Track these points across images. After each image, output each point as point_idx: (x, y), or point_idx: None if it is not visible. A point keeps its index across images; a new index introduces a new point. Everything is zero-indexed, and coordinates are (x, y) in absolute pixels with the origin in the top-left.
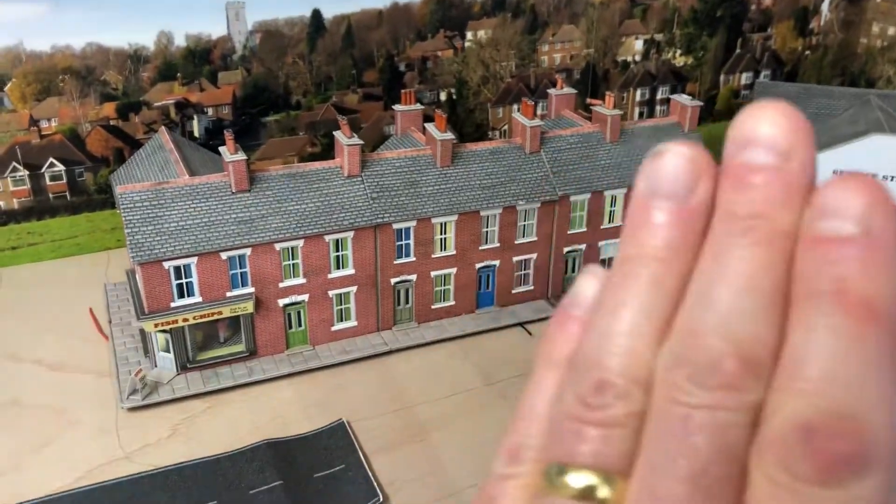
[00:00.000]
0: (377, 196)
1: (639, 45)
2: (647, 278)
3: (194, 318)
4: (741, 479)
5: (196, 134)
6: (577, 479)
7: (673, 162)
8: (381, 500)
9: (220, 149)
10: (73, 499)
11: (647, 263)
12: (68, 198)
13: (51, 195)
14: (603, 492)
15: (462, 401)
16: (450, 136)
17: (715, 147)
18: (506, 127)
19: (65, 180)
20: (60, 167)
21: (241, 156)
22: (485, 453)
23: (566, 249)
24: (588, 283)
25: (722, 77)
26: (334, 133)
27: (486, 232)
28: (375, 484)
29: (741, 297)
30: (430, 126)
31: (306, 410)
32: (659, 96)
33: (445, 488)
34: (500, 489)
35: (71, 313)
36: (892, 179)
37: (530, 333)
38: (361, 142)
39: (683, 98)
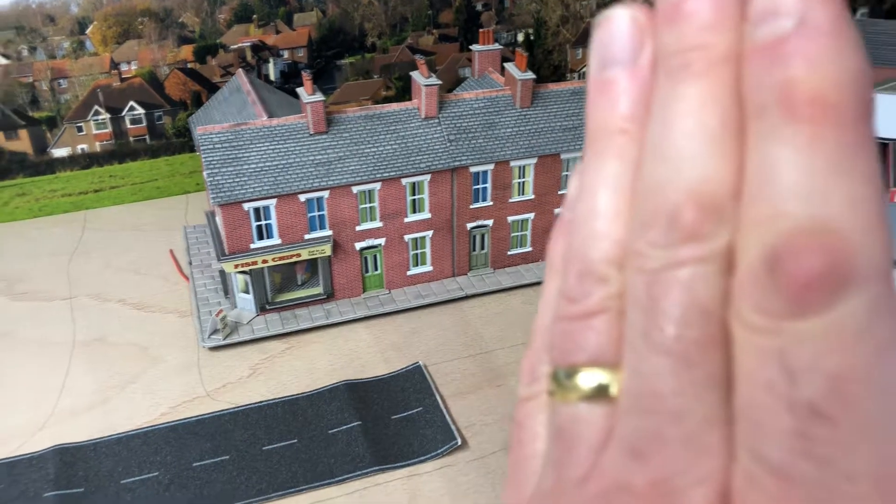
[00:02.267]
0: (455, 138)
1: None
2: (611, 153)
3: (273, 259)
4: (725, 339)
5: (271, 77)
6: (586, 379)
7: (614, 27)
8: (459, 443)
9: (298, 90)
10: (159, 433)
11: (610, 138)
12: (148, 141)
13: (131, 138)
14: (614, 388)
15: None
16: (530, 75)
17: None
18: (584, 69)
19: (144, 123)
20: (140, 110)
21: (319, 97)
22: None
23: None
24: (573, 181)
25: None
26: (411, 74)
27: (566, 176)
28: (453, 427)
29: (689, 140)
30: (509, 65)
31: (383, 353)
32: None
33: None
34: (523, 411)
35: (152, 255)
36: None
37: None
38: (439, 82)
39: None
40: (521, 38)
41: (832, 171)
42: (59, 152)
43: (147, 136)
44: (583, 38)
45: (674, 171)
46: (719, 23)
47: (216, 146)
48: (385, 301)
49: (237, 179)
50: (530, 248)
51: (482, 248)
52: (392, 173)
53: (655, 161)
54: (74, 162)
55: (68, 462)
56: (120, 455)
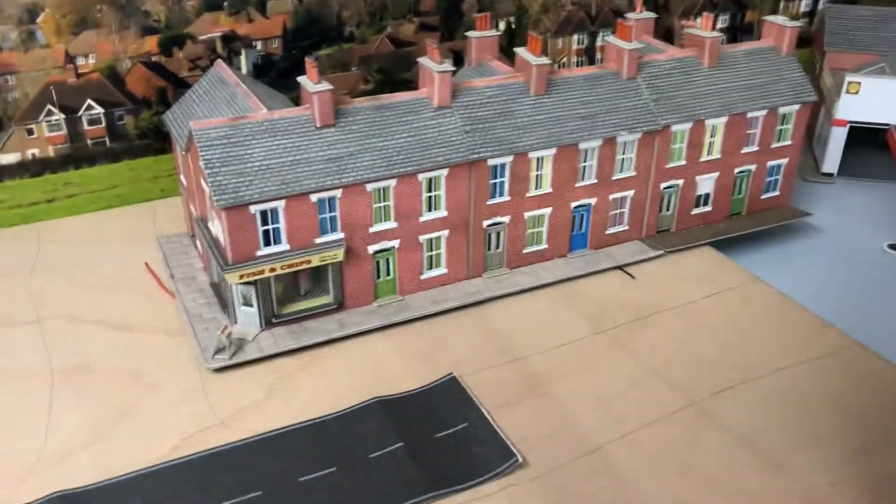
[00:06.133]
0: (471, 129)
1: None
2: None
3: (282, 267)
4: None
5: (243, 70)
6: None
7: None
8: (520, 460)
9: (300, 79)
10: (174, 470)
11: None
12: (108, 144)
13: (89, 141)
14: None
15: (575, 350)
16: (546, 60)
17: None
18: (565, 59)
19: (104, 124)
20: (99, 110)
21: (327, 85)
22: (615, 405)
23: (663, 185)
24: None
25: (781, 3)
26: (419, 60)
27: (584, 167)
28: (508, 443)
29: None
30: (521, 51)
31: (410, 365)
32: (720, 24)
33: (583, 445)
34: None
35: (124, 269)
36: None
37: (633, 276)
38: (454, 68)
39: (780, 19)
40: (502, 26)
41: None
42: (7, 158)
43: (107, 139)
44: (563, 27)
45: None
46: None
47: (214, 143)
48: (400, 308)
49: (241, 179)
50: (546, 246)
51: (497, 247)
52: (408, 168)
53: None
54: (24, 169)
55: None
56: (131, 500)
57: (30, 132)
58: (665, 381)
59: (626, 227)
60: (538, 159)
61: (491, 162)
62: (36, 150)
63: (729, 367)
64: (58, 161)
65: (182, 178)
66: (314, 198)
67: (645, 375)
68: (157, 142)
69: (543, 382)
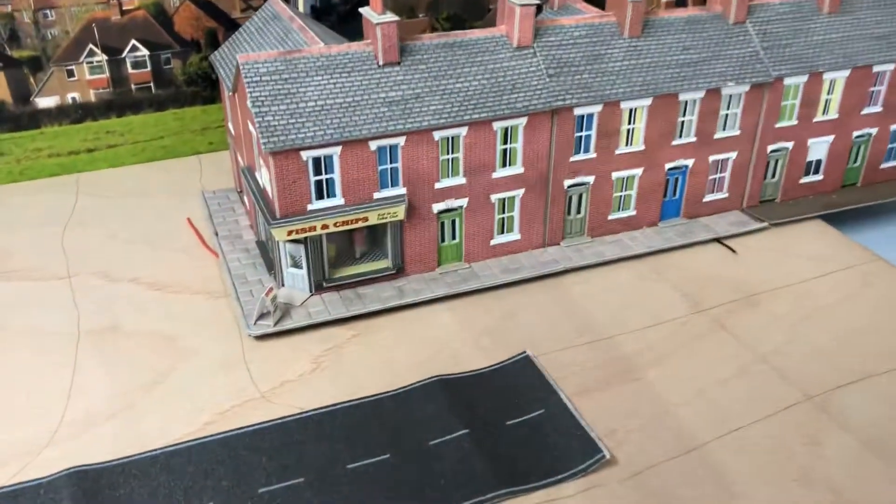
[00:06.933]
0: (555, 73)
1: None
2: None
3: (335, 224)
4: None
5: (301, 11)
6: None
7: None
8: (608, 456)
9: (363, 10)
10: (206, 448)
11: None
12: (153, 90)
13: (133, 86)
14: None
15: (670, 331)
16: None
17: None
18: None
19: (149, 68)
20: (144, 52)
21: (392, 16)
22: (718, 397)
23: (770, 148)
24: None
25: None
26: None
27: (682, 122)
28: (593, 435)
29: None
30: None
31: (476, 341)
32: None
33: (682, 442)
34: None
35: (165, 225)
36: None
37: (733, 250)
38: (538, 1)
39: None
40: None
41: None
42: (45, 102)
43: (152, 84)
44: None
45: None
46: None
47: (264, 79)
48: (466, 276)
49: (292, 120)
50: (634, 212)
51: (578, 211)
52: (482, 115)
53: None
54: (63, 114)
55: (89, 491)
56: (158, 481)
57: (70, 74)
58: (776, 370)
59: (726, 195)
60: (630, 111)
61: (577, 111)
62: (76, 94)
63: (850, 358)
64: (99, 107)
65: (230, 125)
66: (374, 145)
67: (752, 363)
68: (207, 89)
69: (633, 367)
